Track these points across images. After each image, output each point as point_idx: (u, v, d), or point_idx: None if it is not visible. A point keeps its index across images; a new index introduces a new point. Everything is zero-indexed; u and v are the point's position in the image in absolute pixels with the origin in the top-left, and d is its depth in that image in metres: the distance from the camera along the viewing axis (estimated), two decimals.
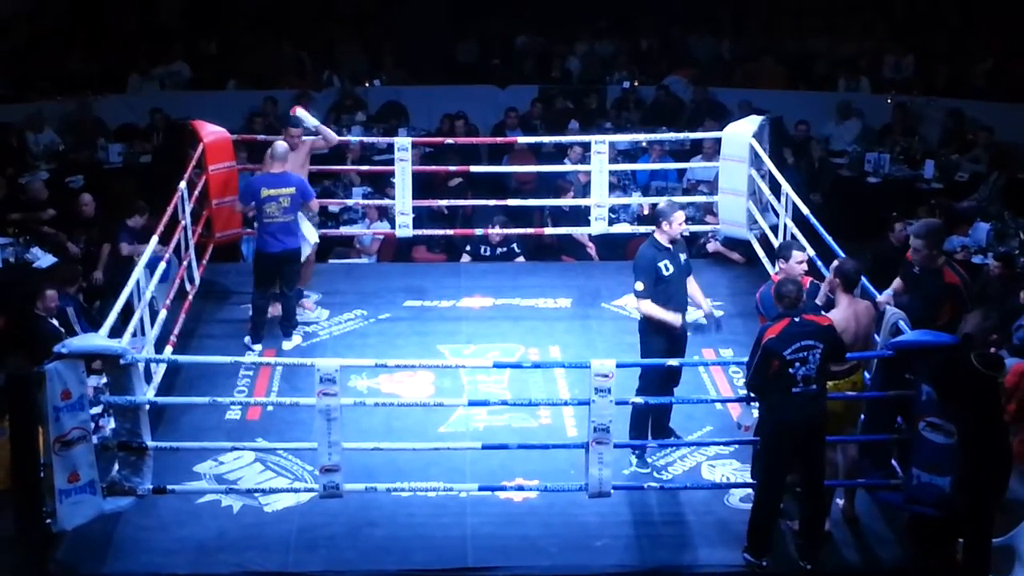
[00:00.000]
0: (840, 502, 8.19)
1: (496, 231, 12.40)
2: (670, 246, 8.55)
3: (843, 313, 7.95)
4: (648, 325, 8.56)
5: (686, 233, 8.65)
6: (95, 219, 12.79)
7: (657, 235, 8.58)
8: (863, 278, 8.73)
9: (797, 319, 7.49)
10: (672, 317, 8.46)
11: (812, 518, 7.71)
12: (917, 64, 17.54)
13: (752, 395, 7.79)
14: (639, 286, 8.46)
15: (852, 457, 8.10)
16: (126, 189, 14.63)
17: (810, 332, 7.44)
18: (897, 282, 8.66)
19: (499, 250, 12.53)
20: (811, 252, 9.24)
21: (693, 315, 8.95)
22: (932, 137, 15.91)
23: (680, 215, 8.53)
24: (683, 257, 8.64)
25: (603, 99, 17.48)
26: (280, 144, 10.36)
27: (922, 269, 8.35)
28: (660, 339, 8.51)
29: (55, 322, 9.91)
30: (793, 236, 10.08)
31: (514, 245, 12.56)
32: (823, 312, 8.00)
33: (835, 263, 8.25)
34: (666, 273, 8.48)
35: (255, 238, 10.42)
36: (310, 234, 10.72)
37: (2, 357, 9.14)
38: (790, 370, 7.40)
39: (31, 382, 7.30)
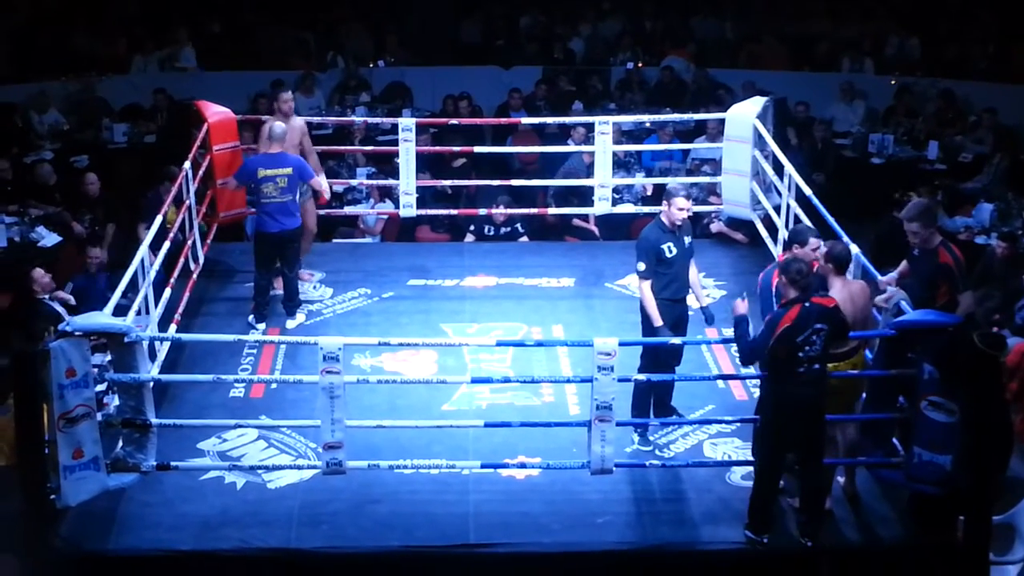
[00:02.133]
0: (841, 480, 8.22)
1: (500, 211, 12.41)
2: (674, 229, 8.57)
3: (838, 296, 7.94)
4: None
5: (689, 213, 8.63)
6: (100, 199, 12.84)
7: (663, 216, 8.60)
8: (865, 259, 8.77)
9: (808, 304, 7.46)
10: (657, 316, 8.45)
11: (812, 496, 7.73)
12: (921, 46, 17.51)
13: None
14: (641, 266, 8.50)
15: (851, 436, 8.12)
16: (131, 169, 14.70)
17: (820, 315, 7.43)
18: (903, 264, 8.68)
19: (503, 230, 12.55)
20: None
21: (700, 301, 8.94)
22: (934, 118, 15.92)
23: (681, 201, 8.48)
24: (687, 240, 8.65)
25: (607, 80, 17.47)
26: (278, 125, 10.35)
27: (920, 251, 8.37)
28: (662, 318, 8.52)
29: (56, 305, 9.95)
30: (798, 219, 10.04)
31: (518, 225, 12.57)
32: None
33: (825, 248, 8.24)
34: (669, 255, 8.50)
35: (255, 218, 10.40)
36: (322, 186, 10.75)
37: (6, 336, 9.20)
38: (799, 354, 7.40)
39: (36, 360, 7.33)
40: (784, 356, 7.42)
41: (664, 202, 8.58)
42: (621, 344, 7.71)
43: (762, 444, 7.82)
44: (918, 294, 8.22)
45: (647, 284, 8.49)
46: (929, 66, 16.97)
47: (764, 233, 11.35)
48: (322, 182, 10.85)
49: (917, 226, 8.33)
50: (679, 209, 8.50)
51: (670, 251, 8.49)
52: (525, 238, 12.61)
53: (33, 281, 9.88)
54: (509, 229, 12.56)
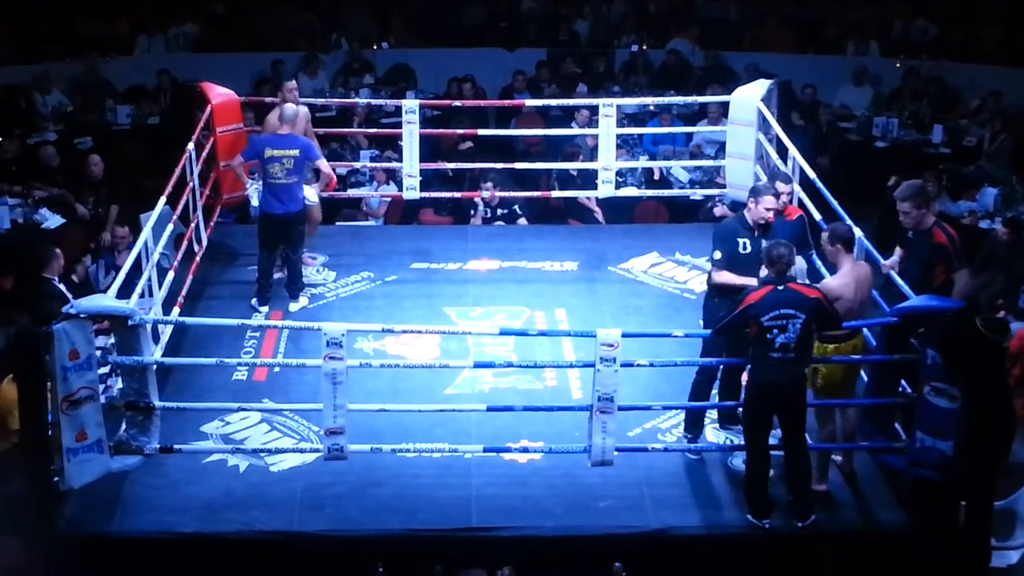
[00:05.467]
0: (838, 458, 8.24)
1: (490, 194, 12.30)
2: (755, 228, 8.33)
3: (845, 278, 7.95)
4: (714, 294, 8.42)
5: (781, 205, 8.41)
6: (103, 180, 12.84)
7: (747, 213, 8.39)
8: (868, 242, 8.76)
9: (781, 287, 7.50)
10: (748, 280, 8.03)
11: (796, 479, 7.74)
12: (926, 28, 17.44)
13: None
14: (716, 255, 8.28)
15: (851, 420, 8.14)
16: (134, 151, 14.69)
17: (792, 302, 7.45)
18: (899, 248, 8.69)
19: (499, 211, 12.50)
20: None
21: None
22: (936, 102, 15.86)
23: (769, 200, 8.28)
24: (765, 244, 8.23)
25: (611, 63, 17.42)
26: (289, 107, 10.35)
27: (914, 232, 8.38)
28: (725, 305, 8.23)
29: (62, 286, 9.94)
30: (801, 203, 10.00)
31: (516, 207, 12.52)
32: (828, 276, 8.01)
33: (825, 233, 8.22)
34: (743, 251, 8.26)
35: (259, 198, 10.36)
36: (310, 193, 10.69)
37: (10, 317, 9.19)
38: (768, 336, 7.43)
39: (39, 341, 7.34)
40: (755, 334, 7.49)
41: (750, 200, 8.37)
42: (624, 335, 7.67)
43: (744, 425, 7.90)
44: (916, 276, 8.26)
45: (722, 272, 8.22)
46: (935, 49, 16.89)
47: None
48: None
49: (908, 206, 8.36)
50: (767, 209, 8.28)
51: (744, 248, 8.26)
52: (523, 220, 12.55)
53: (54, 258, 9.85)
54: (506, 210, 12.50)
